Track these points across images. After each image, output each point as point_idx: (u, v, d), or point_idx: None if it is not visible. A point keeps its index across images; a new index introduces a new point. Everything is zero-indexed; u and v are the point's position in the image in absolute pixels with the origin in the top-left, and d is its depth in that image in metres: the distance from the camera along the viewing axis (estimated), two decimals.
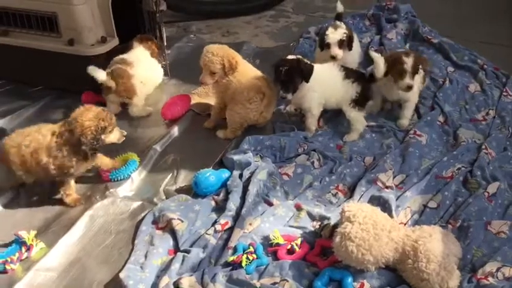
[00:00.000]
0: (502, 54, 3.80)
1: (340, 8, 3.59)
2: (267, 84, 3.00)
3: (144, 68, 3.39)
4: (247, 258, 2.22)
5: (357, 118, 3.00)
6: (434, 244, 2.08)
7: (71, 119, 2.49)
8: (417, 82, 3.03)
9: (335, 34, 3.21)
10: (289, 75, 2.84)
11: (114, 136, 2.60)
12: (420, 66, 2.96)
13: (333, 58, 3.19)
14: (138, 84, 3.30)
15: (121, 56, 3.34)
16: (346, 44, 3.24)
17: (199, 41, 4.26)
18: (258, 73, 3.07)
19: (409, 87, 2.93)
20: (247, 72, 3.03)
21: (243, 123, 3.04)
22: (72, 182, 2.64)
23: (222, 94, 3.07)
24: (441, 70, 3.59)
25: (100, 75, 3.11)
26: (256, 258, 2.24)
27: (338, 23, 3.35)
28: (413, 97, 3.12)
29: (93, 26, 3.33)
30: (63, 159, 2.49)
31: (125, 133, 2.67)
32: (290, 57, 2.96)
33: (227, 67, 2.93)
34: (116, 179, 2.77)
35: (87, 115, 2.48)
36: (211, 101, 3.32)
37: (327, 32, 3.23)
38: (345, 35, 3.21)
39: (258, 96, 2.96)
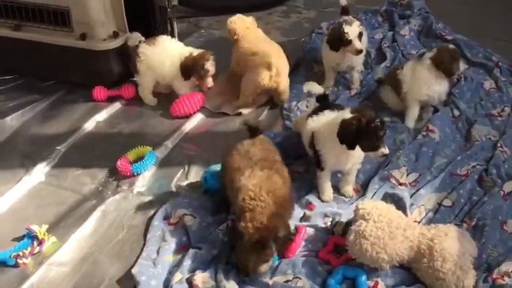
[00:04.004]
0: None
1: (343, 1, 3.52)
2: (276, 51, 3.24)
3: None
4: None
5: None
6: (450, 243, 2.06)
7: None
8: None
9: (353, 28, 3.13)
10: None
11: None
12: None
13: (359, 52, 3.18)
14: None
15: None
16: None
17: (210, 36, 4.25)
18: (270, 42, 3.36)
19: None
20: (258, 41, 3.33)
21: (255, 90, 3.22)
22: None
23: (236, 61, 3.42)
24: None
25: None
26: None
27: (349, 18, 3.26)
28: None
29: (105, 20, 3.33)
30: None
31: None
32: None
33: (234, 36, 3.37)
34: (138, 173, 2.77)
35: None
36: (224, 99, 3.41)
37: (345, 30, 3.10)
38: (361, 27, 3.17)
39: (264, 63, 3.15)
